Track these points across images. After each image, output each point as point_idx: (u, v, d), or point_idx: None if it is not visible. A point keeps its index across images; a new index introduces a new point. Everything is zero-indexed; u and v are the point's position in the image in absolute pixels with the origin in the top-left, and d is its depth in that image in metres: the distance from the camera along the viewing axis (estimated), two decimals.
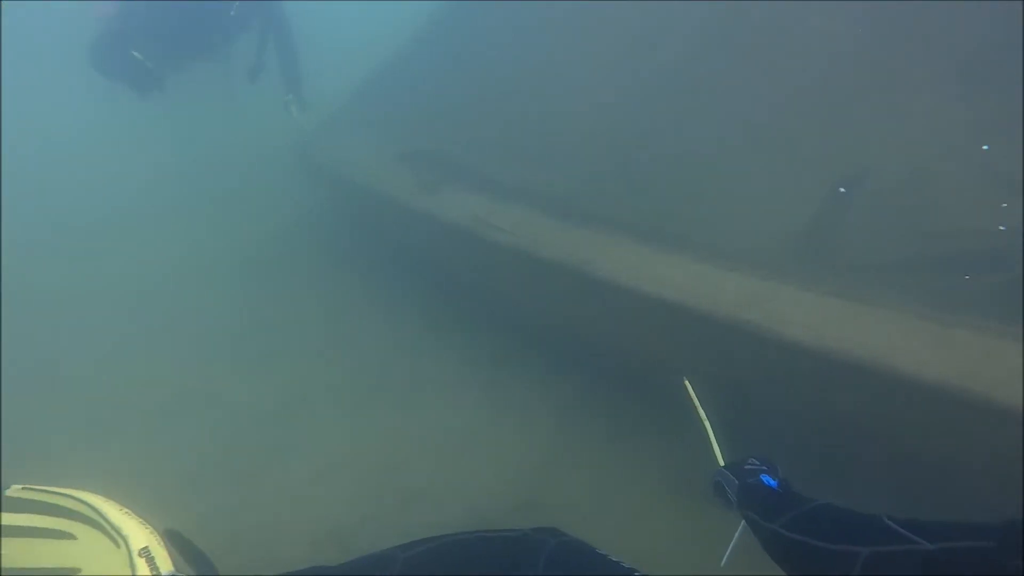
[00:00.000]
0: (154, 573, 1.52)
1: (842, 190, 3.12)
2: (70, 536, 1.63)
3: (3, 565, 1.52)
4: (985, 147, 2.98)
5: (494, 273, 3.66)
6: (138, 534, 1.59)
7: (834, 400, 2.65)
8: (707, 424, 1.91)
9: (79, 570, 1.60)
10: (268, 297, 4.46)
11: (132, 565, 1.53)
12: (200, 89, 4.51)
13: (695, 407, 1.88)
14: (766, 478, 1.58)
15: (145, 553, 1.57)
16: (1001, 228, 2.33)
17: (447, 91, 4.39)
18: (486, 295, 3.93)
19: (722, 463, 1.81)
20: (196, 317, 4.46)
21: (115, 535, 1.60)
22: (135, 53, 3.82)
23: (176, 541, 1.66)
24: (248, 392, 3.87)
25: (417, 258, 4.33)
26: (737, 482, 1.59)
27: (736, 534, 1.67)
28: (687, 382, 1.93)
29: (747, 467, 1.67)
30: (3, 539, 1.56)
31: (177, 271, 4.84)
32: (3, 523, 1.56)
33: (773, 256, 2.91)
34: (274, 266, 4.64)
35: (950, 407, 2.32)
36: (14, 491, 1.63)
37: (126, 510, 1.66)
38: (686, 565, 2.79)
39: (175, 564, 1.58)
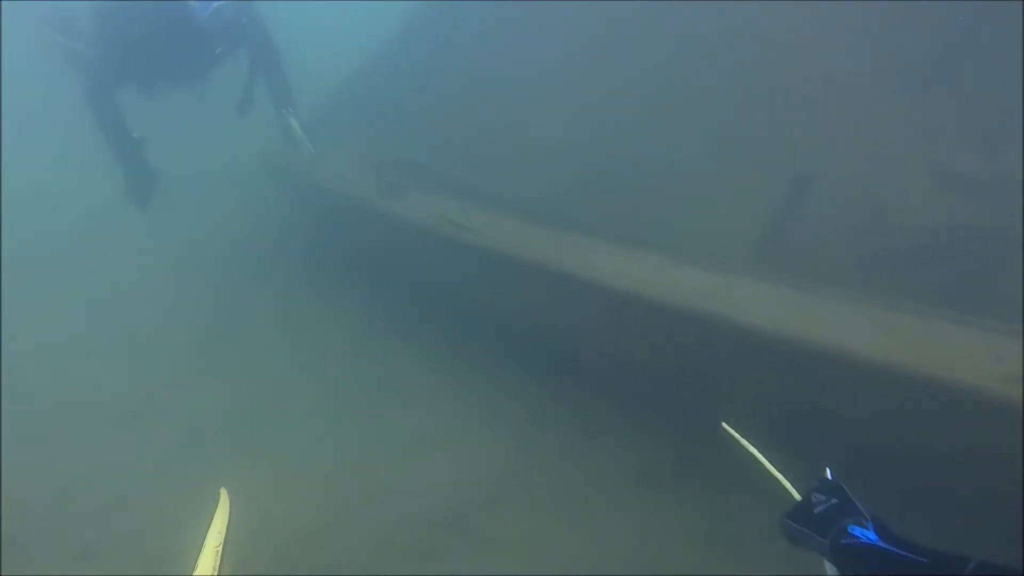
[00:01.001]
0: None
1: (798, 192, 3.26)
2: None
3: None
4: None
5: (460, 274, 3.71)
6: (213, 532, 1.93)
7: (791, 386, 2.74)
8: (762, 459, 1.58)
9: None
10: (234, 304, 4.45)
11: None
12: (168, 102, 4.46)
13: (745, 447, 1.61)
14: (858, 531, 1.19)
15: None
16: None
17: (416, 98, 4.46)
18: (452, 297, 3.97)
19: (797, 496, 1.41)
20: (162, 324, 4.44)
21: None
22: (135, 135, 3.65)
23: None
24: (215, 397, 3.85)
25: (383, 263, 4.36)
26: (827, 542, 1.22)
27: None
28: (725, 426, 1.68)
29: (818, 509, 1.28)
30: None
31: (145, 279, 4.82)
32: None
33: (732, 254, 3.01)
34: (241, 274, 4.64)
35: (899, 388, 2.42)
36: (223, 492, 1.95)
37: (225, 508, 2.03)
38: (654, 558, 2.84)
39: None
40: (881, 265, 2.99)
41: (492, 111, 4.12)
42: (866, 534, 1.18)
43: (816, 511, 1.28)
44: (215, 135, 4.38)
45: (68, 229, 5.55)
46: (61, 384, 4.17)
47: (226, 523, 2.04)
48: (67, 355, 4.38)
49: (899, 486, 2.60)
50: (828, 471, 1.43)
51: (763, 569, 2.74)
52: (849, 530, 1.19)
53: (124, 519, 3.29)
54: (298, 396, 3.80)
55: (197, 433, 3.65)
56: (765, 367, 2.76)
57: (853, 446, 2.71)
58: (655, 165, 3.59)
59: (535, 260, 3.18)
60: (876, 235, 3.07)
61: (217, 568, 1.96)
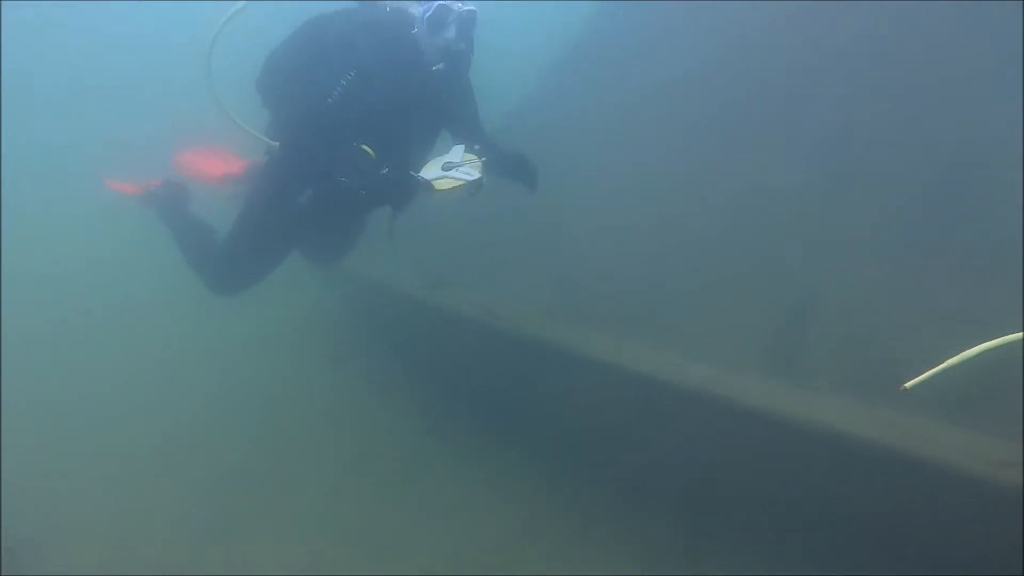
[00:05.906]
0: None
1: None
2: None
3: None
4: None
5: (483, 359, 3.98)
6: None
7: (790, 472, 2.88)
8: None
9: None
10: (275, 379, 4.77)
11: None
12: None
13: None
14: None
15: None
16: None
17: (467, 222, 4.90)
18: (475, 381, 4.19)
19: None
20: (200, 386, 4.74)
21: None
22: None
23: None
24: (244, 450, 4.06)
25: (420, 355, 4.64)
26: None
27: None
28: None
29: None
30: None
31: (186, 349, 5.19)
32: None
33: (739, 358, 3.25)
34: (281, 352, 4.97)
35: (892, 471, 2.58)
36: None
37: None
38: None
39: None
40: (877, 387, 3.16)
41: (534, 239, 4.51)
42: None
43: None
44: None
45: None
46: (104, 426, 4.40)
47: None
48: (116, 402, 4.65)
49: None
50: None
51: None
52: None
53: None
54: (317, 460, 3.98)
55: (223, 478, 3.83)
56: (766, 452, 2.92)
57: (855, 534, 2.79)
58: (674, 287, 3.92)
59: (555, 344, 3.47)
60: (871, 363, 3.29)
61: None
